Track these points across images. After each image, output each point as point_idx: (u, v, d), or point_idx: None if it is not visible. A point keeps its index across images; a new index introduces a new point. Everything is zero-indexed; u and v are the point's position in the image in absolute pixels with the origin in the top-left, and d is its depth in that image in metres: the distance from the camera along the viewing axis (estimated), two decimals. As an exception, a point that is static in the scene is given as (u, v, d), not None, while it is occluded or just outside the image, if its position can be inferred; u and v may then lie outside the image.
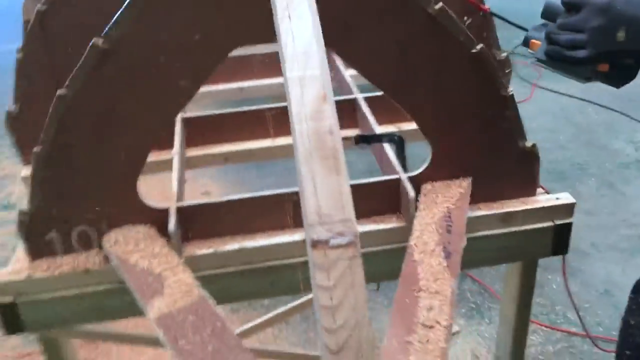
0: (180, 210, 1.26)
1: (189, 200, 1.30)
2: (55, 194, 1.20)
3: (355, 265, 0.57)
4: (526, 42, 1.12)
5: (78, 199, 1.21)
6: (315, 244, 0.56)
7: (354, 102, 1.71)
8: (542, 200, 1.34)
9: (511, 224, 1.33)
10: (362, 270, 0.58)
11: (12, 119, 1.59)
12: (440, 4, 1.15)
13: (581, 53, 0.95)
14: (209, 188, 2.60)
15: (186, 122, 1.68)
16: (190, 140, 1.71)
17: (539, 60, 1.06)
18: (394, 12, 1.15)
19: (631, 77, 1.02)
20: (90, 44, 1.11)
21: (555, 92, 3.99)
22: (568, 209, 1.34)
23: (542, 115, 3.89)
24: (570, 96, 3.96)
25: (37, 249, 1.24)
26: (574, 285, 2.50)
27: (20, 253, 1.27)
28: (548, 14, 1.09)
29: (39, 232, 1.23)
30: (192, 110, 2.04)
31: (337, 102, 1.75)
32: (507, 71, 1.66)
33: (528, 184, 1.35)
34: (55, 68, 1.54)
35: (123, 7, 1.10)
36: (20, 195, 2.60)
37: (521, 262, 1.43)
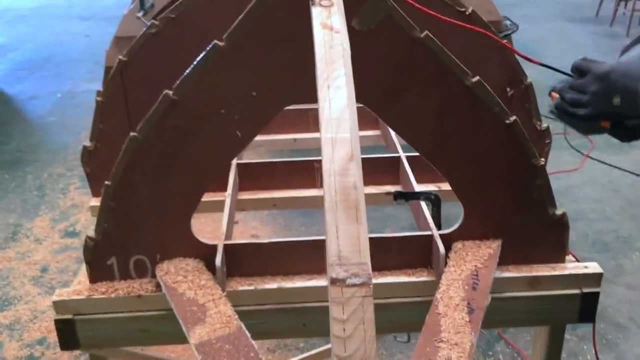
0: (227, 248, 1.38)
1: (236, 240, 1.41)
2: (118, 224, 1.34)
3: (367, 303, 0.66)
4: (550, 94, 1.23)
5: (138, 230, 1.35)
6: (334, 281, 0.66)
7: (397, 160, 1.81)
8: (570, 267, 1.39)
9: (538, 288, 1.38)
10: (372, 307, 0.67)
11: (88, 154, 1.77)
12: (477, 77, 1.25)
13: (581, 111, 1.10)
14: (258, 231, 2.73)
15: (240, 167, 1.82)
16: (243, 184, 1.84)
17: (550, 111, 1.17)
18: (433, 83, 1.26)
19: (637, 135, 1.15)
20: (162, 94, 1.26)
21: (606, 164, 3.99)
22: (596, 278, 1.38)
23: (591, 186, 3.88)
24: (622, 169, 3.95)
25: (98, 273, 1.38)
26: (608, 358, 2.47)
27: (82, 276, 1.40)
28: (574, 70, 1.19)
29: (101, 257, 1.36)
30: (248, 156, 2.19)
31: (382, 159, 1.87)
32: (547, 141, 1.74)
33: (557, 251, 1.40)
34: (130, 112, 1.72)
35: (192, 65, 1.25)
36: (85, 224, 2.81)
37: (549, 327, 1.47)
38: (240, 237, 2.70)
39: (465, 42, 1.66)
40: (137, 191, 1.32)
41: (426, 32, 1.23)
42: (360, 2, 1.20)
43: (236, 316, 1.21)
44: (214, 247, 1.38)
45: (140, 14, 1.92)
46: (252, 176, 1.83)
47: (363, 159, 1.89)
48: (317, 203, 1.79)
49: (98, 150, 1.76)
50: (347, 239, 0.67)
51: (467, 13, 1.62)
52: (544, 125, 1.73)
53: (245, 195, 1.82)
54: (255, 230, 2.73)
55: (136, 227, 1.35)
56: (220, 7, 1.62)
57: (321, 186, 1.77)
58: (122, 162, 1.31)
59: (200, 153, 1.31)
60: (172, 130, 1.28)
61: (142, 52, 1.68)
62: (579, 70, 1.10)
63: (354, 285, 0.65)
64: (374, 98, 1.29)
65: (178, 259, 1.37)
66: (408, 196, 1.53)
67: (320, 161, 1.89)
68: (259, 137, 1.98)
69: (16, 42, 6.12)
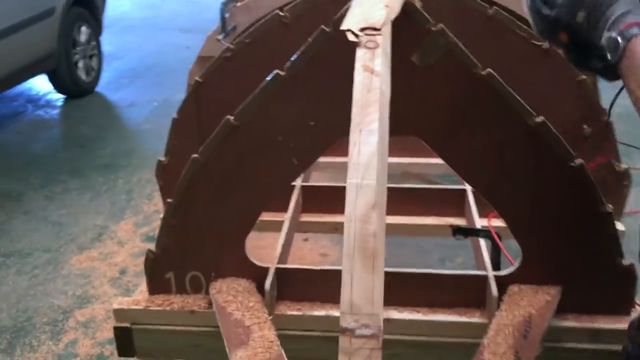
0: (279, 272, 1.40)
1: (288, 264, 1.43)
2: (177, 240, 1.40)
3: (375, 356, 0.65)
4: None
5: (195, 247, 1.40)
6: (344, 330, 0.66)
7: (463, 192, 1.77)
8: (636, 321, 1.30)
9: (599, 341, 1.30)
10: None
11: (162, 168, 1.86)
12: (541, 118, 1.20)
13: (546, 10, 0.97)
14: (327, 250, 2.75)
15: (305, 189, 1.84)
16: (307, 206, 1.86)
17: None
18: (493, 121, 1.23)
19: (585, 65, 1.01)
20: (224, 120, 1.31)
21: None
22: (665, 335, 1.28)
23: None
24: None
25: (156, 285, 1.44)
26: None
27: (143, 286, 1.47)
28: None
29: (159, 271, 1.43)
30: (316, 178, 2.22)
31: (448, 191, 1.84)
32: (624, 183, 1.64)
33: (623, 302, 1.32)
34: (202, 131, 1.79)
35: (254, 93, 1.29)
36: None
37: (608, 384, 1.38)
38: (309, 255, 2.73)
39: (539, 75, 1.61)
40: (196, 210, 1.38)
41: (488, 69, 1.20)
42: (421, 36, 1.20)
43: (278, 342, 1.22)
44: (266, 270, 1.40)
45: (220, 37, 2.00)
46: (316, 199, 1.85)
47: (427, 189, 1.88)
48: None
49: (171, 165, 1.84)
50: (361, 287, 0.67)
51: (544, 47, 1.57)
52: (623, 166, 1.64)
53: (308, 218, 1.84)
54: (324, 249, 2.75)
55: (194, 244, 1.40)
56: (294, 34, 1.66)
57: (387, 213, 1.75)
58: (184, 182, 1.37)
59: (257, 177, 1.34)
60: (231, 155, 1.33)
61: (217, 74, 1.75)
62: None
63: (363, 336, 0.65)
64: (431, 132, 1.28)
65: (231, 279, 1.41)
66: (467, 232, 1.49)
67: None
68: (327, 159, 2.00)
69: (122, 51, 6.51)
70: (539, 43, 1.57)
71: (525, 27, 1.56)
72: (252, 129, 1.30)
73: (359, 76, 0.83)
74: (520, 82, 1.56)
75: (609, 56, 0.86)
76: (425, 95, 1.24)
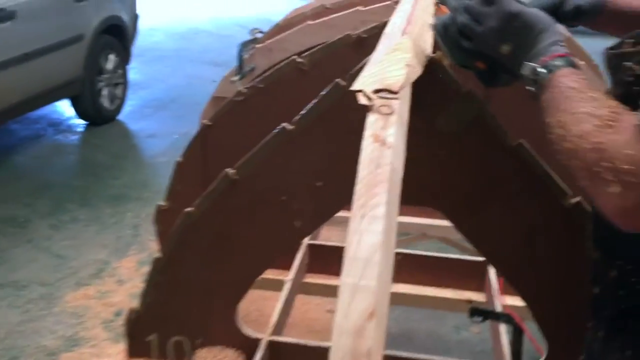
0: (271, 345, 1.26)
1: (283, 337, 1.29)
2: (163, 300, 1.27)
3: None
4: (438, 4, 1.00)
5: (182, 309, 1.26)
6: None
7: (484, 264, 1.62)
8: None
9: None
10: None
11: (161, 213, 1.74)
12: (578, 198, 1.06)
13: (465, 43, 0.88)
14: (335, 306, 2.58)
15: (312, 248, 1.71)
16: (314, 266, 1.72)
17: (432, 26, 0.94)
18: (524, 198, 1.09)
19: (504, 84, 0.93)
20: (223, 173, 1.19)
21: None
22: None
23: None
24: None
25: (136, 348, 1.30)
26: None
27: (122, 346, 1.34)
28: None
29: (141, 332, 1.29)
30: (325, 235, 2.08)
31: (467, 262, 1.68)
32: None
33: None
34: (207, 178, 1.67)
35: (259, 145, 1.17)
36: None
37: None
38: (314, 311, 2.57)
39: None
40: (186, 268, 1.25)
41: (521, 140, 1.07)
42: (447, 99, 1.07)
43: None
44: (258, 341, 1.26)
45: (236, 78, 1.90)
46: (323, 259, 1.71)
47: (444, 258, 1.72)
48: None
49: (171, 210, 1.72)
50: None
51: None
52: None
53: (314, 279, 1.70)
54: (332, 304, 2.59)
55: (180, 305, 1.27)
56: (311, 82, 1.55)
57: (395, 282, 1.59)
58: (175, 236, 1.24)
59: (255, 239, 1.21)
60: (228, 212, 1.21)
61: (227, 118, 1.64)
62: None
63: None
64: (452, 205, 1.14)
65: (218, 348, 1.27)
66: (486, 315, 1.33)
67: (398, 254, 1.72)
68: (341, 213, 1.86)
69: (149, 80, 6.50)
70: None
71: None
72: (253, 185, 1.18)
73: (368, 148, 0.70)
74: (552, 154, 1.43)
75: (529, 87, 0.81)
76: (447, 163, 1.11)
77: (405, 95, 0.82)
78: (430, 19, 1.33)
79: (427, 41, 1.08)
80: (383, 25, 1.45)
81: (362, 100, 0.76)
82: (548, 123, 0.76)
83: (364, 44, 1.53)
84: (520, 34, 0.83)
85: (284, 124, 1.15)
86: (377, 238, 0.61)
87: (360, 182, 0.67)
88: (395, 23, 1.30)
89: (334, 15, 2.11)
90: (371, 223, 0.63)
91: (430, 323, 2.52)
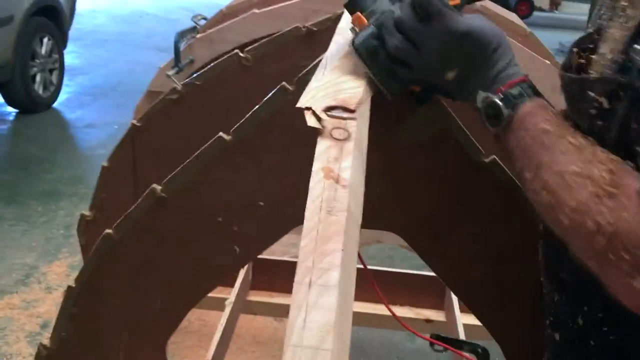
0: (206, 386, 1.09)
1: (220, 375, 1.13)
2: (79, 335, 1.09)
3: None
4: (351, 9, 0.79)
5: (101, 346, 1.09)
6: None
7: (443, 282, 1.49)
8: None
9: None
10: None
11: (85, 224, 1.54)
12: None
13: (401, 71, 0.71)
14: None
15: (256, 263, 1.55)
16: (258, 282, 1.56)
17: (354, 45, 0.75)
18: (496, 221, 0.95)
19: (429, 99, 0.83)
20: (149, 189, 1.01)
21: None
22: None
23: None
24: None
25: (48, 389, 1.12)
26: None
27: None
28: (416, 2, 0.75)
29: (53, 372, 1.11)
30: (271, 249, 1.91)
31: (426, 278, 1.55)
32: None
33: None
34: (138, 185, 1.49)
35: (191, 158, 1.00)
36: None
37: None
38: (261, 319, 2.41)
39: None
40: (105, 300, 1.07)
41: (493, 157, 0.93)
42: (410, 105, 0.93)
43: None
44: (190, 382, 1.10)
45: (171, 72, 1.70)
46: (269, 274, 1.55)
47: (403, 274, 1.59)
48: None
49: (98, 221, 1.53)
50: None
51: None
52: None
53: (258, 297, 1.54)
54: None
55: (100, 342, 1.09)
56: (254, 79, 1.38)
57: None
58: (92, 263, 1.06)
59: (186, 266, 1.04)
60: (155, 234, 1.03)
61: (160, 119, 1.45)
62: (423, 7, 0.68)
63: None
64: (413, 228, 1.00)
65: (144, 390, 1.10)
66: (449, 342, 1.20)
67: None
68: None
69: (89, 65, 6.17)
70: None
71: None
72: (184, 204, 1.01)
73: (317, 186, 0.54)
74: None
75: (487, 123, 0.69)
76: (407, 181, 0.96)
77: (365, 114, 0.66)
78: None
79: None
80: (337, 17, 1.29)
81: (311, 121, 0.60)
82: (523, 176, 0.64)
83: (314, 38, 1.37)
84: (469, 57, 0.68)
85: (220, 134, 0.98)
86: (329, 316, 0.46)
87: (306, 234, 0.51)
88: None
89: (284, 4, 1.94)
90: (322, 294, 0.47)
91: (383, 331, 2.41)
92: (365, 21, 0.76)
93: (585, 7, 10.69)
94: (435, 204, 0.97)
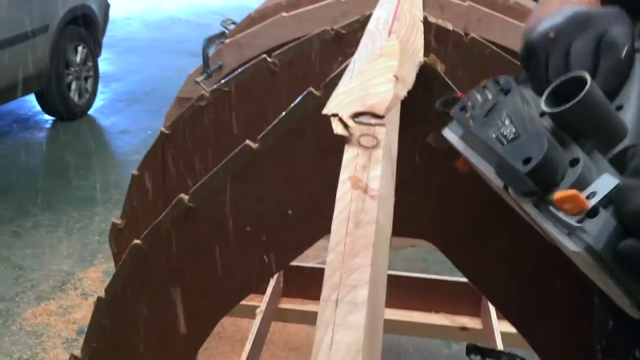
0: (237, 397, 1.08)
1: (251, 387, 1.11)
2: (110, 346, 1.08)
3: None
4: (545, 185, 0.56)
5: (132, 357, 1.08)
6: None
7: (480, 288, 1.44)
8: None
9: None
10: None
11: (117, 232, 1.54)
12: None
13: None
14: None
15: (287, 270, 1.53)
16: (289, 290, 1.54)
17: (591, 250, 0.53)
18: (534, 233, 0.91)
19: None
20: (176, 199, 1.00)
21: None
22: None
23: None
24: None
25: (80, 400, 1.11)
26: None
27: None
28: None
29: (85, 382, 1.10)
30: (301, 255, 1.89)
31: (462, 285, 1.51)
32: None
33: None
34: (167, 191, 1.48)
35: (219, 165, 0.98)
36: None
37: None
38: (294, 328, 2.39)
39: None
40: (135, 311, 1.06)
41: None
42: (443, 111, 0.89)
43: None
44: (221, 393, 1.08)
45: (200, 78, 1.70)
46: (300, 282, 1.53)
47: (437, 281, 1.55)
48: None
49: (129, 228, 1.53)
50: None
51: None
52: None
53: (290, 304, 1.52)
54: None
55: (131, 353, 1.08)
56: (282, 85, 1.36)
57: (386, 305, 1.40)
58: (121, 274, 1.05)
59: (215, 276, 1.02)
60: (183, 244, 1.01)
61: (189, 126, 1.44)
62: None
63: None
64: (446, 237, 0.96)
65: (175, 401, 1.08)
66: (485, 353, 1.16)
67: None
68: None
69: (123, 72, 6.26)
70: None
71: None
72: (212, 213, 0.99)
73: (344, 197, 0.51)
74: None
75: None
76: (442, 188, 0.93)
77: (394, 120, 0.63)
78: (420, 14, 1.15)
79: (418, 41, 0.90)
80: (365, 19, 1.26)
81: (338, 128, 0.57)
82: None
83: (343, 41, 1.34)
84: None
85: (247, 142, 0.96)
86: (357, 335, 0.43)
87: (333, 249, 0.48)
88: (380, 17, 1.11)
89: (312, 7, 1.92)
90: (349, 313, 0.44)
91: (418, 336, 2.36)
92: (586, 202, 0.53)
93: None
94: (469, 211, 0.93)
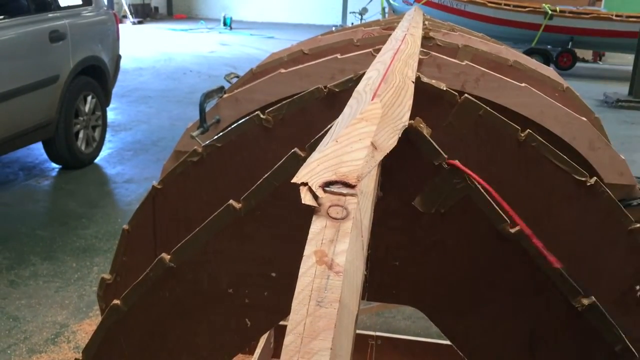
0: None
1: None
2: (86, 410, 1.04)
3: None
4: None
5: (108, 423, 1.03)
6: None
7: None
8: None
9: None
10: None
11: (105, 288, 1.51)
12: (592, 299, 0.85)
13: None
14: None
15: (277, 328, 1.48)
16: (279, 350, 1.49)
17: None
18: (525, 298, 0.88)
19: None
20: (157, 259, 0.98)
21: None
22: None
23: None
24: None
25: None
26: None
27: None
28: None
29: None
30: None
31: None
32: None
33: None
34: (157, 247, 1.46)
35: (202, 225, 0.96)
36: None
37: None
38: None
39: (581, 220, 1.27)
40: (113, 374, 1.02)
41: (519, 228, 0.86)
42: (428, 175, 0.87)
43: None
44: None
45: (195, 133, 1.70)
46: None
47: (432, 345, 1.50)
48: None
49: (118, 284, 1.50)
50: None
51: (588, 184, 1.23)
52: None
53: (279, 365, 1.47)
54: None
55: (107, 418, 1.04)
56: (275, 141, 1.35)
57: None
58: (99, 335, 1.02)
59: (196, 340, 0.99)
60: (164, 306, 0.99)
61: (180, 181, 1.43)
62: None
63: None
64: (434, 304, 0.93)
65: None
66: None
67: (377, 338, 1.49)
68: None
69: (132, 122, 6.33)
70: (582, 178, 1.24)
71: (563, 156, 1.24)
72: (193, 274, 0.97)
73: (307, 273, 0.49)
74: (557, 227, 1.23)
75: None
76: (428, 253, 0.90)
77: (368, 188, 0.61)
78: (413, 74, 1.15)
79: (405, 103, 0.89)
80: (358, 78, 1.27)
81: (306, 198, 0.55)
82: None
83: (336, 99, 1.34)
84: None
85: (231, 201, 0.94)
86: None
87: (291, 330, 0.45)
88: (370, 78, 1.11)
89: (310, 63, 1.93)
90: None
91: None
92: None
93: (630, 58, 10.49)
94: (457, 278, 0.90)
